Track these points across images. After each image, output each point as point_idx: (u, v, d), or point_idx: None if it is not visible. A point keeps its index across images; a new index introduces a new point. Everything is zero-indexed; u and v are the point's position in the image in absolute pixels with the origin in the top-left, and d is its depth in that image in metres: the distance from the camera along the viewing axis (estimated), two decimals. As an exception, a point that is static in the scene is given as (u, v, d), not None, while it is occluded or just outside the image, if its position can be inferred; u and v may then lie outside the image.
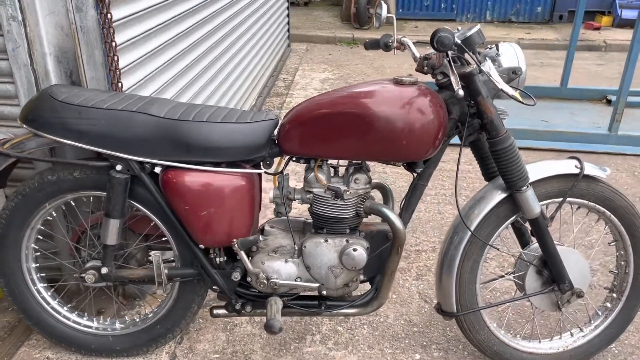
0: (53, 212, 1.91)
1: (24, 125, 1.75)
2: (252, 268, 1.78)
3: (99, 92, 1.84)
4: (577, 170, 1.83)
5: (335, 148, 1.71)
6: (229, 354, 2.11)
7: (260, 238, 1.92)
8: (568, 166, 1.85)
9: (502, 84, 1.53)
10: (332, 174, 1.86)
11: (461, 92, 1.52)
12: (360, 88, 1.73)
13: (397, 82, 1.71)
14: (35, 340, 2.11)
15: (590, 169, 1.84)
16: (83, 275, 1.87)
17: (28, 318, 2.00)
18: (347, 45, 7.57)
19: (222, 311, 1.93)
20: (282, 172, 1.83)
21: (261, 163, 1.82)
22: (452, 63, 1.57)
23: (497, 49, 1.74)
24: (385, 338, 2.19)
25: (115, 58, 1.95)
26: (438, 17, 8.83)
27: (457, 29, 1.72)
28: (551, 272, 1.88)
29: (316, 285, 1.84)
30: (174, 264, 1.92)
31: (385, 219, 1.76)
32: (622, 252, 1.98)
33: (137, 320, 2.04)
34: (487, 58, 1.65)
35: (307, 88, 5.49)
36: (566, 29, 8.10)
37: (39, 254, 1.98)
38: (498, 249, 1.88)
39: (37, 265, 1.98)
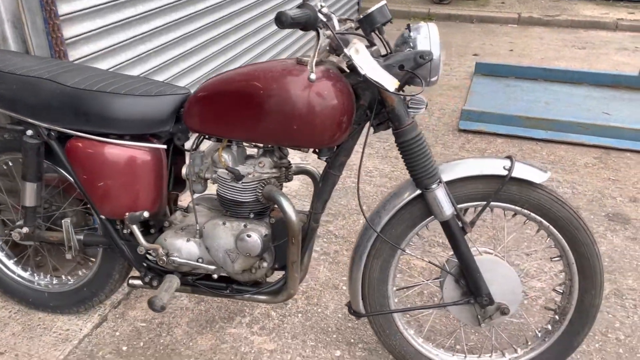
0: (-5, 170, 2.03)
1: None
2: (145, 243, 1.78)
3: (32, 58, 1.89)
4: (504, 172, 1.61)
5: (229, 128, 1.63)
6: (155, 324, 2.13)
7: (178, 215, 1.92)
8: (495, 166, 1.62)
9: (367, 70, 1.35)
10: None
11: (313, 76, 1.37)
12: (258, 66, 1.63)
13: (299, 61, 1.59)
14: (-9, 288, 2.28)
15: (521, 171, 1.61)
16: (12, 232, 1.97)
17: (-20, 267, 2.16)
18: (422, 21, 7.22)
19: (138, 282, 1.94)
20: (195, 148, 1.79)
21: (174, 138, 1.79)
22: (317, 43, 1.41)
23: (409, 30, 1.55)
24: (313, 330, 2.11)
25: (56, 27, 2.00)
26: (532, -8, 8.12)
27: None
28: (467, 283, 1.69)
29: (213, 267, 1.79)
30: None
31: (279, 206, 1.67)
32: (567, 270, 1.73)
33: (70, 280, 2.12)
34: (355, 39, 1.46)
35: (357, 64, 5.32)
36: (679, 10, 7.13)
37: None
38: (404, 251, 1.70)
39: (-13, 218, 2.12)
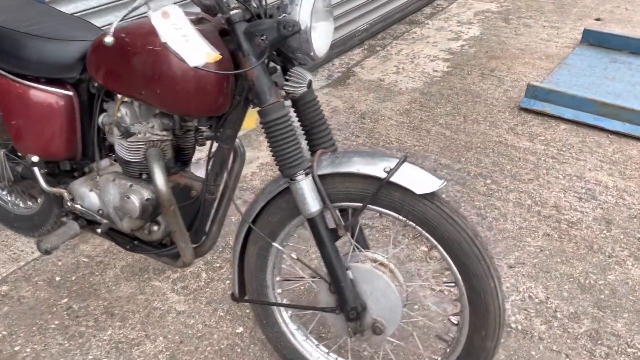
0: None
1: None
2: (45, 186, 1.81)
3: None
4: (383, 174, 1.35)
5: (112, 82, 1.56)
6: (95, 262, 2.21)
7: (104, 163, 1.91)
8: (375, 166, 1.37)
9: (169, 39, 1.16)
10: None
11: (108, 39, 1.20)
12: (140, 21, 1.51)
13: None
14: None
15: (403, 177, 1.34)
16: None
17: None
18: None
19: (65, 219, 2.01)
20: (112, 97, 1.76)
21: (89, 86, 1.77)
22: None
23: (283, -6, 1.32)
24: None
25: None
26: None
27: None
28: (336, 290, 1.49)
29: (106, 221, 1.78)
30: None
31: (150, 174, 1.58)
32: (460, 301, 1.44)
33: (30, 207, 2.26)
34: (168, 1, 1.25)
35: (449, 19, 4.83)
36: None
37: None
38: (278, 247, 1.52)
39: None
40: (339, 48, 4.13)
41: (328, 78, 3.79)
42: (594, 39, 4.17)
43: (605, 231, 2.35)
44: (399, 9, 4.78)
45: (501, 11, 5.04)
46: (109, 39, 1.20)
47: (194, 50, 1.15)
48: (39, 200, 2.26)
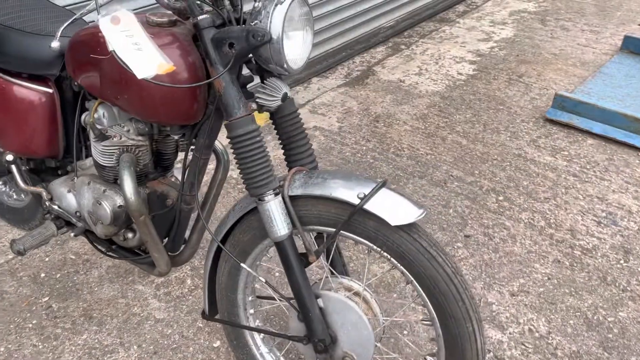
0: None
1: None
2: (23, 185, 1.75)
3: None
4: (356, 201, 1.23)
5: (86, 82, 1.48)
6: (82, 260, 2.17)
7: (87, 162, 1.85)
8: (349, 191, 1.25)
9: (117, 47, 1.06)
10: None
11: (54, 44, 1.12)
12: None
13: (146, 20, 1.35)
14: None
15: (377, 205, 1.22)
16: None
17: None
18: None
19: (48, 217, 1.96)
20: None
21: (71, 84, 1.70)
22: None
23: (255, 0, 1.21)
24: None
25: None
26: None
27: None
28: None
29: (80, 224, 1.72)
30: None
31: (119, 181, 1.50)
32: (437, 340, 1.32)
33: (22, 199, 2.23)
34: (119, 6, 1.14)
35: (482, 19, 4.62)
36: None
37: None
38: (248, 269, 1.42)
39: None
40: (361, 45, 3.99)
41: (346, 77, 3.66)
42: (634, 47, 3.91)
43: (622, 261, 2.17)
44: (429, 6, 4.60)
45: (539, 11, 4.80)
46: (55, 44, 1.12)
47: (144, 60, 1.06)
48: (30, 194, 2.22)
